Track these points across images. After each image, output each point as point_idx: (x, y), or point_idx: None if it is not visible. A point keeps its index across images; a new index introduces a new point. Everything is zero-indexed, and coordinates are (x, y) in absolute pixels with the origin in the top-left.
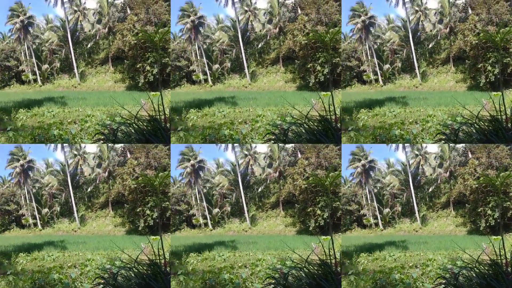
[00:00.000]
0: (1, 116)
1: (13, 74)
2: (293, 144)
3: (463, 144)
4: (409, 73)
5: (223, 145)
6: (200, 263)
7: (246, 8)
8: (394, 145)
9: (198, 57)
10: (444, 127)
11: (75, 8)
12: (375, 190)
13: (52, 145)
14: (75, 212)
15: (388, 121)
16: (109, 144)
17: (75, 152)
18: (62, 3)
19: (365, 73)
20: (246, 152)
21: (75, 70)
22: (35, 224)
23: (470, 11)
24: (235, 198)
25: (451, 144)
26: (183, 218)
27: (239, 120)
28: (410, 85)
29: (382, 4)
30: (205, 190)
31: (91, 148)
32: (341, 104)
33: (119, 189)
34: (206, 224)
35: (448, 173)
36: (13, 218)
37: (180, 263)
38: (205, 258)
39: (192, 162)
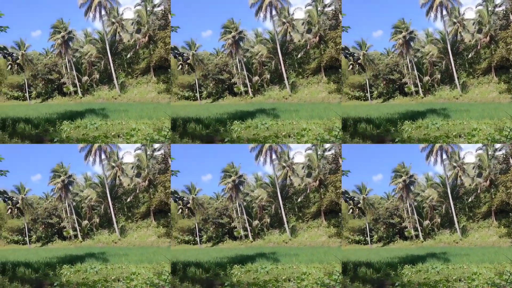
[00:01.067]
0: (47, 127)
1: (55, 86)
2: (332, 152)
3: (503, 152)
4: (448, 84)
5: (261, 158)
6: (244, 275)
7: (284, 20)
8: (432, 159)
9: (239, 70)
10: (492, 141)
11: (113, 20)
12: (415, 203)
13: (91, 159)
14: (115, 223)
15: (432, 133)
16: (148, 153)
17: (113, 164)
18: (100, 16)
19: (406, 85)
20: (284, 164)
21: (115, 81)
22: (76, 236)
23: (511, 17)
24: (274, 210)
25: (490, 153)
26: (225, 230)
27: (283, 133)
28: (450, 96)
29: (421, 19)
30: (245, 203)
31: (129, 158)
32: None
33: (161, 197)
34: (246, 236)
35: (488, 181)
36: (55, 230)
37: (225, 274)
38: (248, 270)
39: (233, 177)
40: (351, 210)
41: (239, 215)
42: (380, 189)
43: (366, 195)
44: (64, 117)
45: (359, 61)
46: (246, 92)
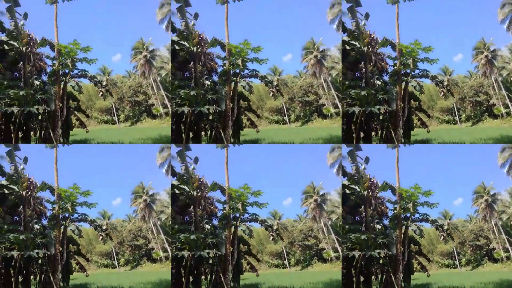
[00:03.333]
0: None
1: (142, 108)
2: None
3: None
4: None
5: None
6: None
7: None
8: None
9: (326, 90)
10: None
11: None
12: (500, 222)
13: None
14: None
15: None
16: None
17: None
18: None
19: (495, 107)
20: None
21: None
22: (167, 258)
23: None
24: None
25: None
26: (313, 253)
27: None
28: None
29: (502, 35)
30: (330, 222)
31: None
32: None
33: None
34: None
35: None
36: (143, 253)
37: None
38: None
39: (314, 197)
40: (442, 237)
41: (326, 235)
42: (462, 212)
43: (450, 220)
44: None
45: (447, 87)
46: (508, 113)
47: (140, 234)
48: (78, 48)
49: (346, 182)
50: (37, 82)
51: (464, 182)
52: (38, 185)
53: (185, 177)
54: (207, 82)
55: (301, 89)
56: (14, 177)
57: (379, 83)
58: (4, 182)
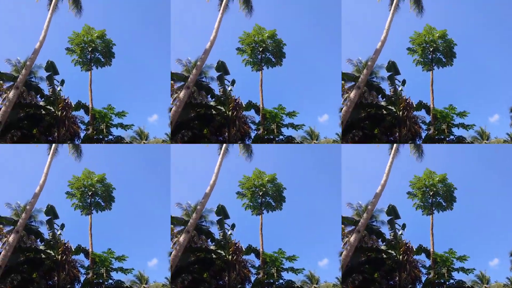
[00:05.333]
0: None
1: None
2: None
3: None
4: None
5: None
6: None
7: None
8: None
9: None
10: None
11: None
12: None
13: None
14: None
15: None
16: None
17: None
18: None
19: None
20: None
21: None
22: None
23: None
24: None
25: None
26: None
27: None
28: None
29: None
30: None
31: None
32: None
33: None
34: None
35: None
36: None
37: None
38: None
39: None
40: None
41: None
42: (500, 275)
43: (487, 284)
44: None
45: None
46: None
47: None
48: (112, 113)
49: (383, 248)
50: None
51: (498, 241)
52: (73, 249)
53: (222, 242)
54: None
55: None
56: (52, 242)
57: None
58: (42, 247)
